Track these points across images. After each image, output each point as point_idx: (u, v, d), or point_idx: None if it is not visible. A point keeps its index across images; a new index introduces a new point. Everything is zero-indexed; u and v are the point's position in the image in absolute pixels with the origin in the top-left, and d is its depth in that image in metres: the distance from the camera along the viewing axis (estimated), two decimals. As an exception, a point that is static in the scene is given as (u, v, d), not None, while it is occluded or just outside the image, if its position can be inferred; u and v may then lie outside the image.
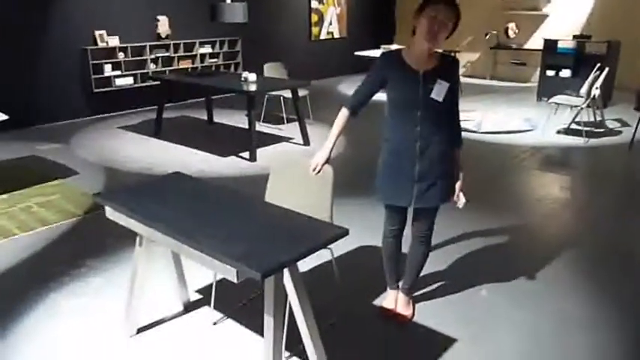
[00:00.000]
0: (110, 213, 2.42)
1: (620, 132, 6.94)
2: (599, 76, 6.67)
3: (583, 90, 6.70)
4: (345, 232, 2.09)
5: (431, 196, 2.58)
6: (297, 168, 2.91)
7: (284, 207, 2.37)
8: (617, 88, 8.51)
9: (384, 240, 2.85)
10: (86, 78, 7.50)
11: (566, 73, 8.66)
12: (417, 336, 2.74)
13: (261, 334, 2.37)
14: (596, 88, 6.60)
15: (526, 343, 2.67)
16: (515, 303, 3.04)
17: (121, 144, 6.39)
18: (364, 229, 3.82)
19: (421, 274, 2.94)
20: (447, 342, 2.66)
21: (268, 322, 2.00)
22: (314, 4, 10.81)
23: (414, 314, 2.90)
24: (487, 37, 10.92)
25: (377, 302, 3.03)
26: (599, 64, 6.94)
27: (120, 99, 7.98)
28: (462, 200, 2.68)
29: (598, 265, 3.54)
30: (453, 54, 2.58)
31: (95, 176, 5.23)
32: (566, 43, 8.86)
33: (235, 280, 1.87)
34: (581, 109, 6.64)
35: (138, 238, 2.54)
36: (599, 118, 7.18)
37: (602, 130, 7.03)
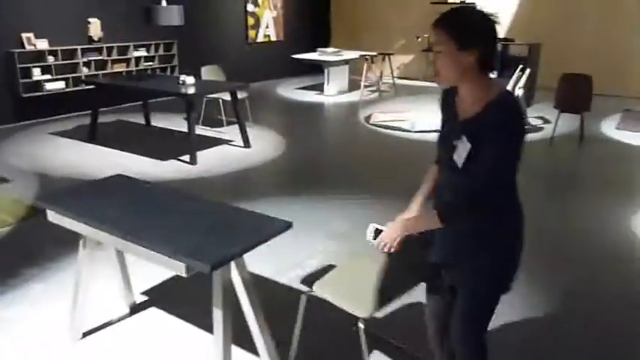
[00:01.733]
0: (52, 216, 2.41)
1: (542, 128, 7.42)
2: (521, 76, 7.12)
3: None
4: (288, 226, 2.19)
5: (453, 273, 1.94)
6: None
7: (229, 204, 2.44)
8: (538, 88, 9.08)
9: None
10: (14, 82, 7.21)
11: (492, 74, 9.12)
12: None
13: (210, 331, 2.43)
14: (519, 87, 7.04)
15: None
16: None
17: (54, 150, 6.20)
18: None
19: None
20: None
21: (217, 315, 2.07)
22: (250, 8, 10.85)
23: None
24: (419, 40, 11.34)
25: None
26: (521, 66, 7.40)
27: (51, 104, 7.72)
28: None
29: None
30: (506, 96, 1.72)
31: (28, 183, 5.07)
32: (491, 45, 9.32)
33: (185, 275, 1.93)
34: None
35: (82, 241, 2.53)
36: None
37: (526, 127, 7.48)
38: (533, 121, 7.82)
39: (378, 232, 1.93)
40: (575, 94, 6.40)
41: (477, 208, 1.74)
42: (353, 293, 2.19)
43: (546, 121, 7.71)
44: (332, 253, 3.69)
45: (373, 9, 12.06)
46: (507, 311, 2.89)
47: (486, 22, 1.70)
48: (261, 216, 2.30)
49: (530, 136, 7.05)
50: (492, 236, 1.81)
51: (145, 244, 2.01)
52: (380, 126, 7.48)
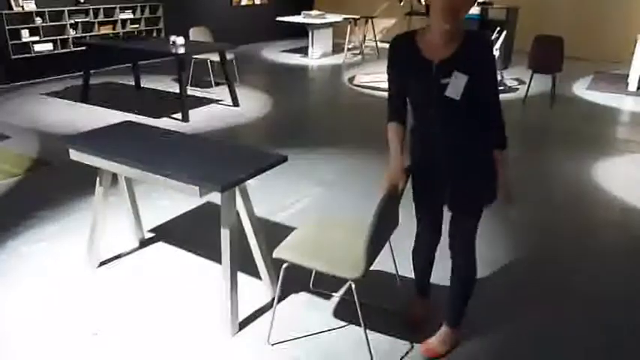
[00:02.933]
0: (75, 154, 2.70)
1: (517, 89, 7.79)
2: (498, 38, 7.44)
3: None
4: (283, 159, 2.52)
5: (459, 197, 2.20)
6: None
7: (229, 141, 2.76)
8: (515, 50, 9.41)
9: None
10: (3, 44, 7.31)
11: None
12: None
13: (213, 262, 2.74)
14: (496, 49, 7.36)
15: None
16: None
17: (49, 109, 6.40)
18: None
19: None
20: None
21: (225, 234, 2.40)
22: (234, -30, 10.90)
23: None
24: (401, 3, 11.53)
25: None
26: (498, 28, 7.71)
27: (40, 65, 7.84)
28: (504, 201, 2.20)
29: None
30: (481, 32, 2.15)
31: (28, 139, 5.30)
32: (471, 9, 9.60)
33: (199, 196, 2.26)
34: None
35: (98, 178, 2.84)
36: (499, 77, 8.00)
37: (502, 87, 7.85)
38: (509, 82, 8.18)
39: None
40: (547, 56, 6.74)
41: (504, 121, 2.09)
42: (337, 256, 2.24)
43: (521, 82, 8.08)
44: (320, 198, 4.05)
45: (356, -27, 12.17)
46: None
47: None
48: (259, 151, 2.62)
49: (505, 96, 7.41)
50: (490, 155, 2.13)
51: (163, 174, 2.33)
52: (362, 87, 7.78)
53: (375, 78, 8.17)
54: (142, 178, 2.46)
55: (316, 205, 3.94)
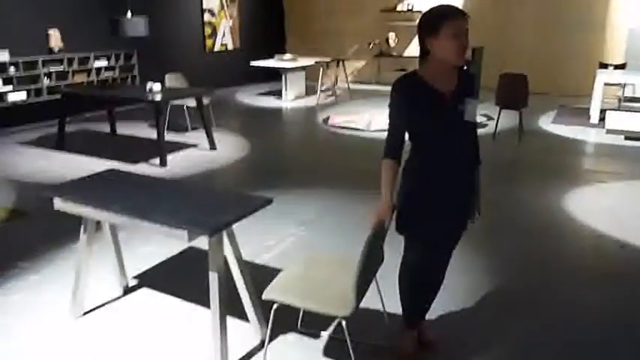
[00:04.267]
0: (59, 204, 2.71)
1: (486, 125, 8.06)
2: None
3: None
4: (268, 201, 2.58)
5: (462, 218, 2.51)
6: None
7: (213, 186, 2.81)
8: (482, 87, 9.76)
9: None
10: (-24, 94, 7.28)
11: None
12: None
13: (201, 306, 2.74)
14: (464, 87, 7.63)
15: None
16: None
17: (24, 159, 6.35)
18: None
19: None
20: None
21: (213, 278, 2.43)
22: (207, 18, 11.15)
23: None
24: (371, 46, 11.92)
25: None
26: (465, 67, 8.02)
27: (15, 115, 7.80)
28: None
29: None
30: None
31: (4, 190, 5.24)
32: (438, 50, 9.99)
33: (187, 241, 2.29)
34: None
35: (82, 226, 2.84)
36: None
37: (471, 124, 8.11)
38: (478, 118, 8.44)
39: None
40: (512, 92, 7.04)
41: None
42: (326, 294, 2.28)
43: (490, 118, 8.36)
44: (302, 237, 4.10)
45: (326, 16, 12.58)
46: (458, 267, 3.37)
47: None
48: (244, 194, 2.68)
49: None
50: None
51: (151, 220, 2.36)
52: (336, 127, 7.94)
53: (348, 118, 8.36)
54: (130, 224, 2.49)
55: (299, 244, 3.98)
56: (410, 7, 11.74)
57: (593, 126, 7.93)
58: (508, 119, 7.75)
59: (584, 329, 2.95)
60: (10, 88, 7.65)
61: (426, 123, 2.29)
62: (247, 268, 2.69)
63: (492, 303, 3.20)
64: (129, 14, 6.47)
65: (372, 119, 8.14)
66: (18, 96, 7.75)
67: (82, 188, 2.78)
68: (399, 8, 11.87)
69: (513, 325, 2.98)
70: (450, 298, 3.14)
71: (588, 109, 8.36)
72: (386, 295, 2.83)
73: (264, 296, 2.32)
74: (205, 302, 2.48)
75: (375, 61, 12.33)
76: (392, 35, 11.95)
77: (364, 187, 5.23)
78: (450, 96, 2.26)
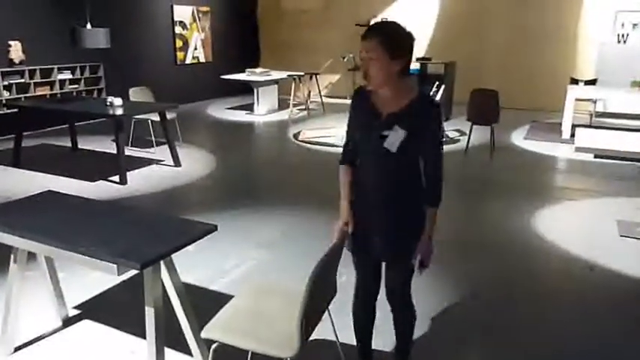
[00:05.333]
0: (-18, 231, 2.47)
1: (458, 140, 7.99)
2: (437, 92, 7.66)
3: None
4: (212, 229, 2.38)
5: (396, 251, 2.27)
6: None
7: (155, 210, 2.60)
8: (455, 102, 9.73)
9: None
10: None
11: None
12: None
13: (142, 336, 2.54)
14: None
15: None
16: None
17: (-24, 175, 6.04)
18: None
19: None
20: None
21: (149, 313, 2.22)
22: (178, 30, 10.95)
23: None
24: (344, 59, 11.83)
25: None
26: (437, 82, 7.96)
27: (-30, 129, 7.48)
28: (419, 268, 2.29)
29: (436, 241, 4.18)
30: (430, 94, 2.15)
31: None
32: (411, 64, 9.95)
33: (117, 275, 2.08)
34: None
35: (12, 255, 2.60)
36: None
37: (444, 139, 8.03)
38: (450, 134, 8.38)
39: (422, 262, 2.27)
40: (484, 108, 6.97)
41: (440, 181, 2.19)
42: (271, 332, 2.09)
43: (462, 133, 8.30)
44: (263, 261, 3.90)
45: (300, 30, 12.49)
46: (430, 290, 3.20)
47: (409, 37, 2.06)
48: (186, 221, 2.48)
49: (447, 147, 7.58)
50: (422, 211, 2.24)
51: (77, 250, 2.14)
52: (308, 142, 7.78)
53: (320, 133, 8.21)
54: (57, 256, 2.27)
55: (258, 268, 3.78)
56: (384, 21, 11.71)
57: (565, 142, 7.91)
58: (480, 135, 7.68)
59: (549, 356, 2.80)
60: (-34, 101, 7.33)
61: (358, 138, 2.23)
62: (188, 301, 2.47)
63: (453, 326, 3.04)
64: (88, 25, 6.25)
65: (343, 134, 8.01)
66: (-25, 109, 7.43)
67: (11, 213, 2.55)
68: (372, 22, 11.82)
69: (474, 349, 2.81)
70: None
71: (560, 124, 8.35)
72: (341, 328, 2.65)
73: (203, 334, 2.11)
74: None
75: (350, 75, 12.24)
76: (366, 49, 11.88)
77: (334, 206, 5.05)
78: (387, 118, 2.09)
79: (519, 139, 8.22)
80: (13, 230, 2.37)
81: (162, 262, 2.24)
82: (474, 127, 7.18)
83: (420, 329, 2.99)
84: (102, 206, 2.75)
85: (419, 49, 11.10)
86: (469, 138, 7.26)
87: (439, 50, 10.82)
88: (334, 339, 2.63)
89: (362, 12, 11.81)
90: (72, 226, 2.40)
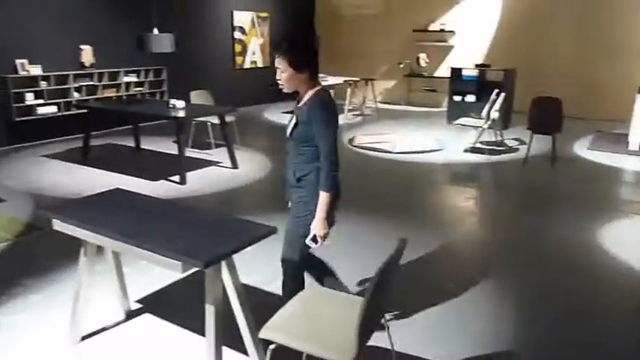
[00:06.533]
0: (57, 224, 2.61)
1: (517, 149, 7.77)
2: (496, 100, 7.49)
3: (484, 113, 7.50)
4: (272, 231, 2.42)
5: (290, 224, 2.69)
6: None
7: (216, 211, 2.67)
8: (515, 111, 9.48)
9: None
10: (7, 107, 7.41)
11: (471, 98, 9.55)
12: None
13: (201, 335, 2.62)
14: (495, 111, 7.39)
15: (435, 330, 3.10)
16: (423, 299, 3.47)
17: (47, 172, 6.38)
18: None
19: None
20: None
21: (209, 311, 2.28)
22: (237, 35, 11.21)
23: None
24: (401, 66, 11.76)
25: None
26: (497, 90, 7.78)
27: (43, 127, 7.91)
28: (311, 241, 2.60)
29: (499, 255, 4.08)
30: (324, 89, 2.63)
31: (22, 203, 5.24)
32: (469, 71, 9.80)
33: (181, 272, 2.15)
34: (483, 129, 7.42)
35: (83, 249, 2.74)
36: (499, 138, 8.00)
37: (502, 148, 7.84)
38: (509, 143, 8.17)
39: (313, 237, 2.58)
40: (545, 117, 6.75)
41: (334, 164, 2.54)
42: (327, 336, 2.11)
43: (522, 143, 8.07)
44: (316, 264, 3.92)
45: (357, 36, 12.51)
46: (483, 307, 3.13)
47: (310, 49, 2.56)
48: (247, 222, 2.53)
49: (505, 157, 7.39)
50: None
51: (144, 247, 2.23)
52: (362, 148, 7.78)
53: (375, 139, 8.19)
54: (124, 251, 2.37)
55: (312, 272, 3.80)
56: (442, 27, 11.57)
57: (633, 153, 7.55)
58: (541, 144, 7.45)
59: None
60: (41, 101, 7.76)
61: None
62: (248, 300, 2.52)
63: (520, 345, 2.95)
64: (155, 30, 6.49)
65: (398, 141, 7.96)
66: (48, 109, 7.86)
67: (83, 209, 2.68)
68: (430, 28, 11.70)
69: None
70: (470, 340, 2.91)
71: (627, 134, 7.98)
72: (399, 337, 2.63)
73: (261, 334, 2.15)
74: (204, 332, 2.33)
75: (405, 81, 12.16)
76: (423, 55, 11.78)
77: (385, 213, 5.04)
78: (295, 109, 2.63)
79: (583, 149, 7.91)
80: (85, 225, 2.49)
81: (223, 262, 2.30)
82: (535, 136, 6.97)
83: (475, 349, 2.93)
84: (165, 205, 2.85)
85: (477, 56, 10.90)
86: (529, 147, 7.05)
87: (499, 56, 10.58)
88: (389, 347, 2.62)
89: (419, 18, 11.73)
90: (138, 223, 2.50)
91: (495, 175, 6.75)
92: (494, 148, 7.76)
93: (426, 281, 3.70)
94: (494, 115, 7.39)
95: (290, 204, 2.77)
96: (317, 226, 2.55)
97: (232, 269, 2.41)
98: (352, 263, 3.94)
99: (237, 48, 11.27)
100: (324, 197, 2.53)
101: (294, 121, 2.58)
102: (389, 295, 2.31)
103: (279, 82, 2.57)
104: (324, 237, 2.58)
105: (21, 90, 7.51)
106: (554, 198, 5.83)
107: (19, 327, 3.05)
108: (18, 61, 7.46)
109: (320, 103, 2.53)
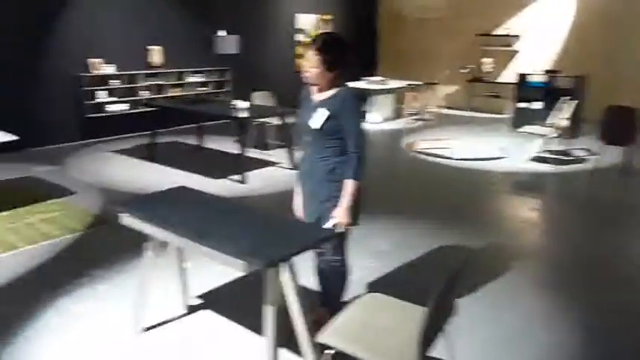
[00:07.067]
0: (125, 219, 2.71)
1: (586, 160, 7.42)
2: (566, 107, 7.18)
3: (551, 121, 7.21)
4: (332, 235, 2.41)
5: (319, 217, 2.69)
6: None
7: (277, 211, 2.69)
8: (585, 120, 9.06)
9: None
10: (80, 104, 7.79)
11: (537, 105, 9.21)
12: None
13: (257, 334, 2.65)
14: (564, 119, 7.09)
15: (499, 345, 2.99)
16: (487, 312, 3.37)
17: (116, 167, 6.66)
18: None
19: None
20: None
21: (268, 311, 2.29)
22: (299, 38, 11.31)
23: None
24: (464, 71, 11.51)
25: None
26: (566, 97, 7.47)
27: (112, 124, 8.28)
28: (333, 223, 2.64)
29: (563, 273, 3.90)
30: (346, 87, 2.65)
31: (92, 196, 5.49)
32: (537, 77, 9.46)
33: (243, 272, 2.17)
34: (550, 138, 7.13)
35: (148, 244, 2.82)
36: (567, 147, 7.67)
37: (569, 158, 7.51)
38: (577, 152, 7.82)
39: (334, 226, 2.62)
40: (619, 127, 6.41)
41: (364, 154, 2.58)
42: (386, 344, 2.07)
43: (591, 153, 7.70)
44: (372, 270, 3.88)
45: (419, 39, 12.34)
46: (545, 323, 3.00)
47: (346, 51, 2.59)
48: (309, 225, 2.53)
49: (572, 167, 7.07)
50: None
51: (208, 244, 2.27)
52: (422, 153, 7.65)
53: (436, 144, 8.04)
54: (189, 247, 2.42)
55: (368, 277, 3.77)
56: (507, 32, 11.23)
57: None
58: (613, 156, 7.08)
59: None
60: (111, 99, 8.12)
61: (299, 121, 2.78)
62: (306, 302, 2.52)
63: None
64: (223, 32, 6.65)
65: (459, 147, 7.78)
66: (118, 107, 8.21)
67: (149, 205, 2.77)
68: (495, 32, 11.39)
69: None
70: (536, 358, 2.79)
71: None
72: (460, 350, 2.56)
73: (319, 339, 2.14)
74: (262, 331, 2.34)
75: (468, 86, 11.89)
76: (487, 60, 11.48)
77: (444, 221, 4.93)
78: (316, 103, 2.64)
79: (659, 162, 7.45)
80: (151, 220, 2.57)
81: (284, 263, 2.31)
82: (607, 147, 6.63)
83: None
84: (227, 204, 2.90)
85: (544, 61, 10.50)
86: (599, 159, 6.71)
87: (568, 62, 10.16)
88: (450, 359, 2.56)
89: (484, 22, 11.43)
90: (202, 220, 2.55)
91: (562, 186, 6.47)
92: (562, 157, 7.44)
93: (489, 293, 3.58)
94: (563, 123, 7.09)
95: (303, 197, 2.84)
96: (342, 214, 2.60)
97: (292, 271, 2.41)
98: (407, 270, 3.88)
99: (299, 50, 11.37)
100: (352, 185, 2.58)
101: (324, 113, 2.56)
102: (452, 306, 2.25)
103: (305, 75, 2.62)
104: (347, 226, 2.64)
105: (93, 88, 7.88)
106: (628, 213, 5.52)
107: (86, 315, 3.19)
108: (93, 61, 7.83)
109: (352, 94, 2.59)
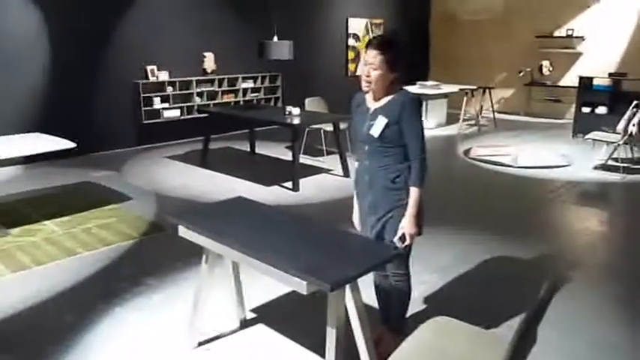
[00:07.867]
0: (183, 231, 2.65)
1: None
2: (636, 113, 6.74)
3: (620, 127, 6.78)
4: (398, 254, 2.26)
5: (382, 229, 2.58)
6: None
7: (341, 229, 2.56)
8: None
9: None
10: (137, 110, 7.94)
11: (602, 110, 8.73)
12: None
13: (314, 352, 2.54)
14: (634, 125, 6.66)
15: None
16: (555, 329, 3.12)
17: (170, 172, 6.72)
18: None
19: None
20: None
21: (331, 335, 2.16)
22: (351, 42, 11.19)
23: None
24: (521, 74, 11.08)
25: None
26: (636, 102, 7.02)
27: (166, 130, 8.39)
28: (399, 240, 2.51)
29: (635, 292, 3.59)
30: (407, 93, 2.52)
31: (148, 202, 5.53)
32: (601, 80, 8.97)
33: (305, 292, 2.05)
34: (618, 145, 6.71)
35: (204, 256, 2.76)
36: (637, 155, 7.22)
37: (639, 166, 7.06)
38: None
39: (401, 237, 2.49)
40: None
41: (426, 159, 2.52)
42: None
43: (658, 162, 7.21)
44: (435, 286, 3.70)
45: (474, 42, 11.98)
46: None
47: (408, 52, 2.54)
48: (372, 241, 2.39)
49: (633, 177, 6.64)
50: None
51: (267, 261, 2.17)
52: (480, 160, 7.37)
53: (493, 151, 7.73)
54: (246, 263, 2.32)
55: (431, 294, 3.58)
56: (569, 33, 10.73)
57: None
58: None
59: None
60: (166, 105, 8.24)
61: (355, 131, 2.73)
62: (369, 325, 2.38)
63: None
64: (275, 38, 6.60)
65: (519, 154, 7.45)
66: (172, 113, 8.32)
67: (207, 217, 2.70)
68: (556, 34, 10.91)
69: None
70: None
71: None
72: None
73: (386, 365, 1.99)
74: (321, 351, 2.22)
75: (525, 90, 11.44)
76: (546, 63, 11.01)
77: (507, 233, 4.68)
78: (373, 111, 2.55)
79: None
80: (208, 233, 2.49)
81: (348, 285, 2.18)
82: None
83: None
84: (284, 216, 2.79)
85: (610, 64, 9.96)
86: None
87: (637, 65, 9.59)
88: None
89: (543, 23, 10.97)
90: (259, 233, 2.45)
91: (632, 197, 6.07)
92: (630, 166, 6.99)
93: (560, 316, 3.33)
94: (633, 129, 6.66)
95: (361, 211, 2.72)
96: (409, 224, 2.49)
97: (356, 292, 2.27)
98: (468, 287, 3.67)
99: (350, 55, 11.25)
100: (416, 193, 2.51)
101: (383, 121, 2.47)
102: (535, 336, 2.06)
103: (365, 80, 2.51)
104: (413, 236, 2.52)
105: (150, 94, 8.01)
106: None
107: (142, 325, 3.16)
108: (148, 68, 7.97)
109: (411, 98, 2.50)
